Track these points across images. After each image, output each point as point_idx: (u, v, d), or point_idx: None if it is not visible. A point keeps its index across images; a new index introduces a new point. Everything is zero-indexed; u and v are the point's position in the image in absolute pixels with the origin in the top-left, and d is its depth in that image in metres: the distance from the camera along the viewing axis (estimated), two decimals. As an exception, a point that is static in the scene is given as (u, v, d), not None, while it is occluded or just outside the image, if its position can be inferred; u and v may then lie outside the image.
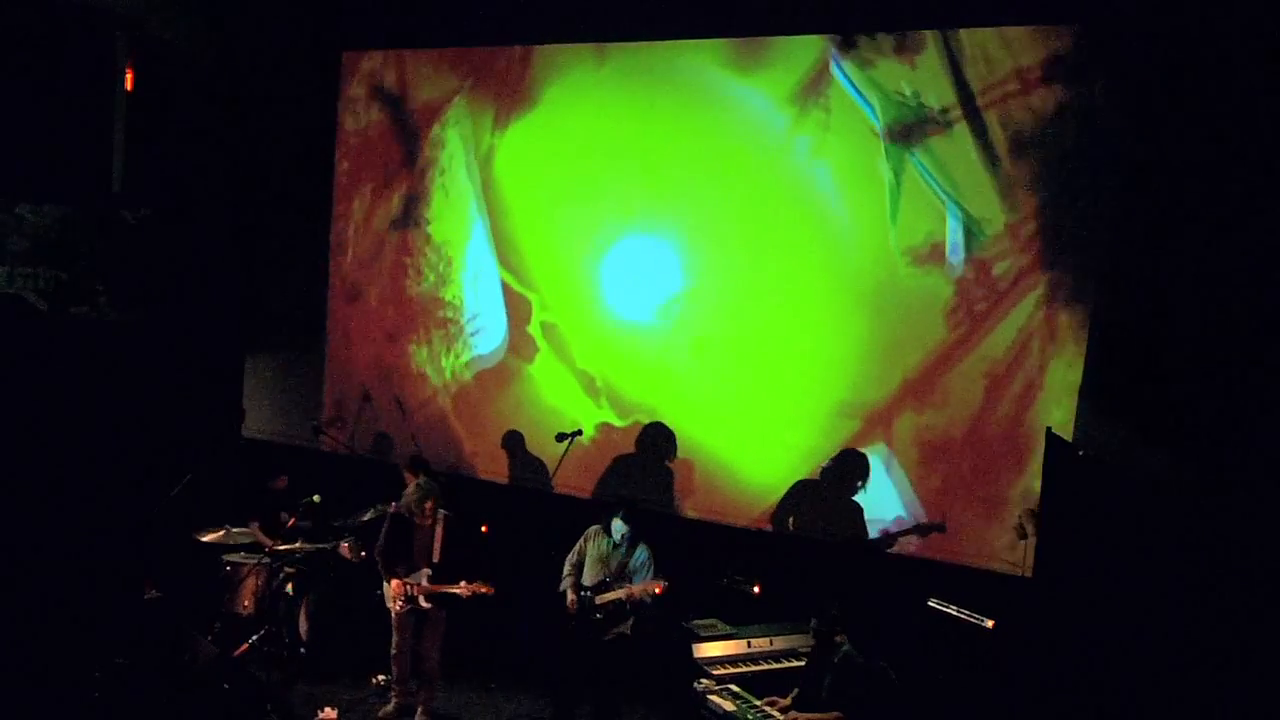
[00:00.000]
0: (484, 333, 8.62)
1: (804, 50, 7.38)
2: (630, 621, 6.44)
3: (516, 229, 8.48)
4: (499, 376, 8.56)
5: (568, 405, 8.24)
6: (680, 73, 7.77)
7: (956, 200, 6.92)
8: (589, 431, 8.06)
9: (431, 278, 8.83)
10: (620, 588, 6.38)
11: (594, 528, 6.68)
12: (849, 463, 7.25)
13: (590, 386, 8.21)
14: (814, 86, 7.35)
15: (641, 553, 6.52)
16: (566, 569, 6.62)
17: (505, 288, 8.50)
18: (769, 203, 7.51)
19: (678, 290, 7.84)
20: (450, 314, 8.77)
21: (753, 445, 7.61)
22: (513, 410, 8.49)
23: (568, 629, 6.46)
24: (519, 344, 8.43)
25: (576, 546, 6.68)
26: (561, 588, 6.56)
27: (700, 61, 7.70)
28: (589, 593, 6.42)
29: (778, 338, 7.48)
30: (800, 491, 7.41)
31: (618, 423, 8.08)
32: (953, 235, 6.95)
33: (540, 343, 8.36)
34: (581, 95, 8.15)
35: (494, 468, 8.54)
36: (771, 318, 7.50)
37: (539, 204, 8.38)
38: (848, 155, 7.25)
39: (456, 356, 8.73)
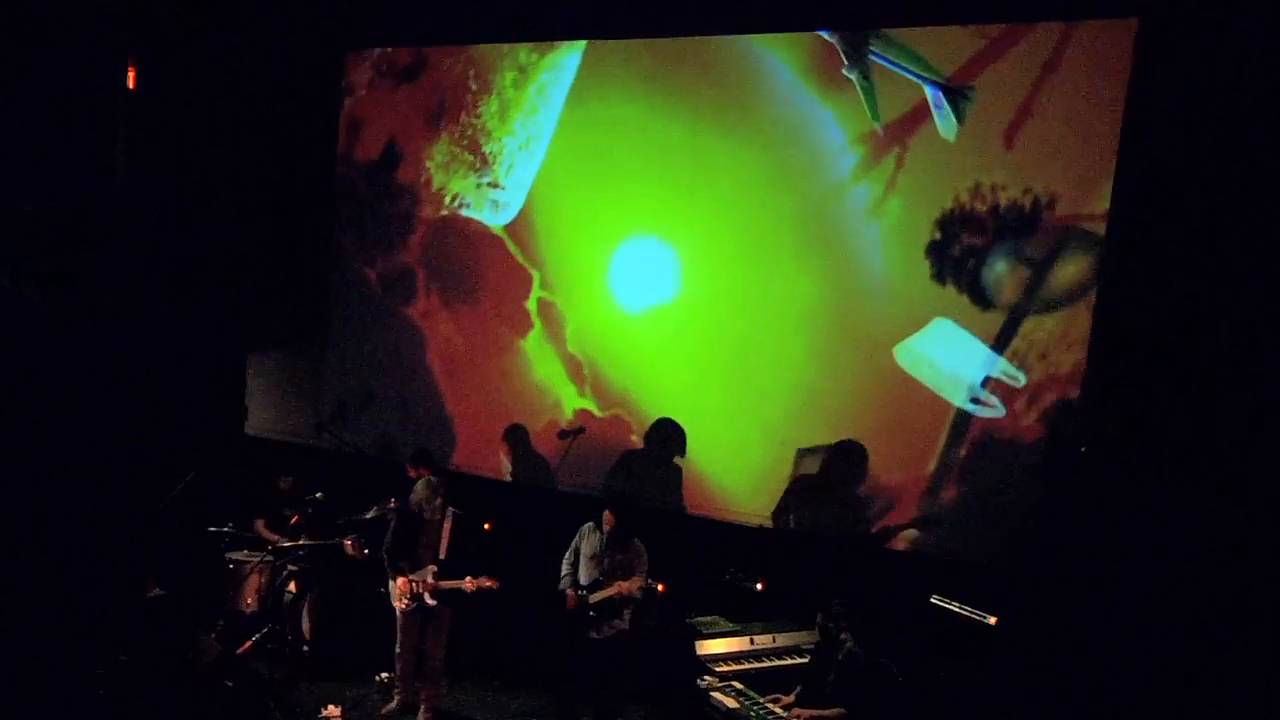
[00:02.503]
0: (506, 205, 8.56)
1: (908, 87, 6.96)
2: (627, 615, 6.44)
3: (531, 204, 8.41)
4: (490, 345, 8.56)
5: (552, 385, 8.27)
6: (750, 71, 7.50)
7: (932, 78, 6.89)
8: (567, 415, 8.13)
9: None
10: (612, 585, 6.39)
11: (587, 525, 6.67)
12: (848, 453, 7.25)
13: (576, 372, 8.22)
14: (902, 132, 7.02)
15: (636, 549, 6.52)
16: (565, 568, 6.63)
17: (510, 258, 8.46)
18: (801, 238, 7.36)
19: (683, 294, 7.82)
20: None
21: (740, 447, 7.63)
22: (499, 381, 8.51)
23: (567, 627, 6.46)
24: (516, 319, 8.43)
25: (572, 544, 6.69)
26: (561, 586, 6.57)
27: (778, 60, 7.40)
28: (584, 591, 6.43)
29: (775, 364, 7.47)
30: (802, 487, 7.41)
31: (597, 413, 8.11)
32: (933, 95, 6.92)
33: (535, 319, 8.36)
34: (631, 78, 7.95)
35: (496, 465, 8.55)
36: (773, 342, 7.47)
37: (561, 183, 8.28)
38: (907, 226, 7.02)
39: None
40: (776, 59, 7.42)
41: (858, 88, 7.09)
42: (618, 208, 8.04)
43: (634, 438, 8.02)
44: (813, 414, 7.37)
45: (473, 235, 8.61)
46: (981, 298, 6.85)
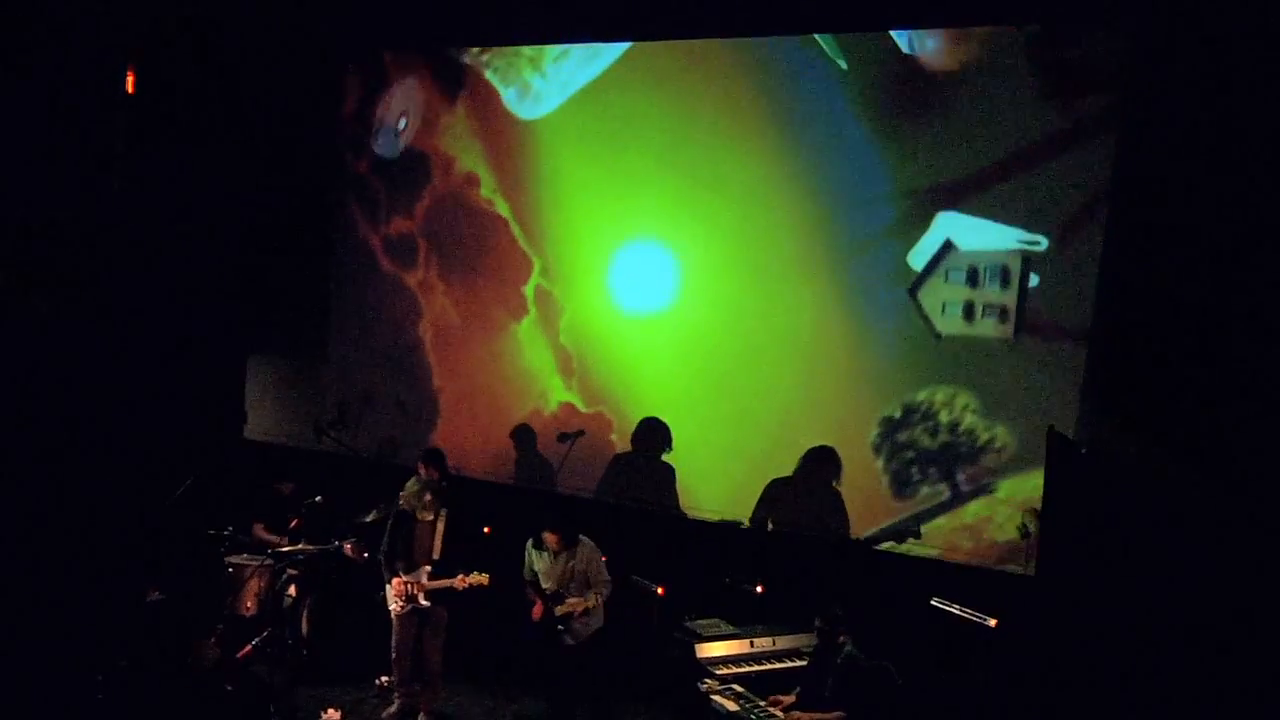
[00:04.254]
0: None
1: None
2: (597, 615, 6.44)
3: (542, 187, 8.29)
4: (483, 325, 8.57)
5: (541, 374, 8.29)
6: (802, 92, 7.22)
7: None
8: (551, 406, 8.14)
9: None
10: (572, 599, 6.37)
11: (528, 543, 6.62)
12: (820, 456, 7.24)
13: (565, 364, 8.21)
14: (962, 194, 6.76)
15: (585, 552, 6.50)
16: (527, 581, 6.60)
17: (513, 240, 8.41)
18: (815, 279, 7.22)
19: (681, 303, 7.77)
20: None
21: (718, 461, 7.64)
22: (488, 362, 8.53)
23: (541, 637, 6.44)
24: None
25: (525, 562, 6.65)
26: (529, 598, 6.54)
27: (837, 88, 7.11)
28: (550, 604, 6.41)
29: (762, 386, 7.44)
30: (777, 489, 7.40)
31: (582, 408, 8.11)
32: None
33: (530, 305, 8.34)
34: (665, 77, 7.74)
35: (497, 468, 8.53)
36: (763, 366, 7.43)
37: (578, 170, 8.14)
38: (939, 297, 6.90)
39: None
40: (837, 88, 7.14)
41: (820, 42, 7.06)
42: (630, 207, 7.93)
43: (614, 437, 8.02)
44: (790, 439, 7.35)
45: (478, 213, 8.56)
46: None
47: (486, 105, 8.53)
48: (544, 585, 6.49)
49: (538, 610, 6.44)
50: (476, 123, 8.57)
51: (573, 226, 8.21)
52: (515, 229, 8.43)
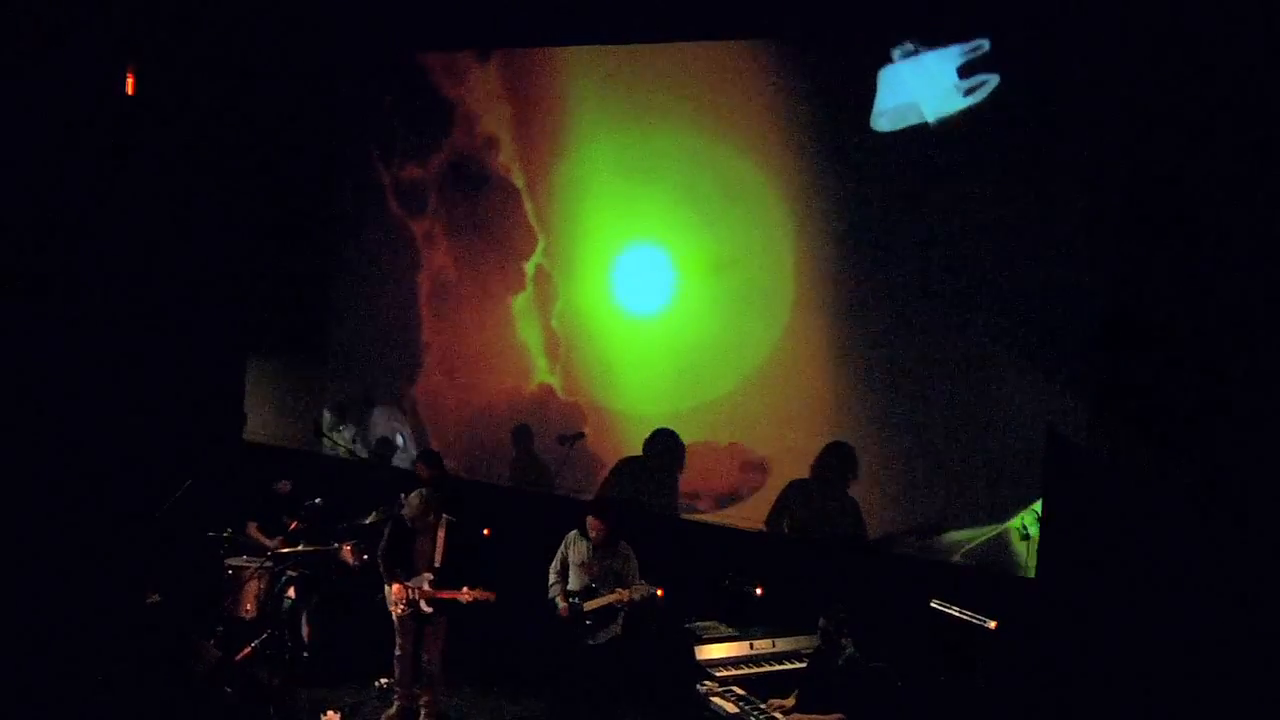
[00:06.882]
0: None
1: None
2: (621, 621, 6.44)
3: (561, 168, 8.18)
4: (479, 290, 8.56)
5: (527, 351, 8.28)
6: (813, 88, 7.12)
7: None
8: (531, 386, 8.14)
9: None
10: (608, 592, 6.37)
11: (573, 533, 6.67)
12: (839, 455, 7.14)
13: (552, 347, 8.18)
14: None
15: (624, 552, 6.50)
16: (552, 577, 6.62)
17: (522, 213, 8.33)
18: (811, 289, 7.21)
19: (675, 310, 7.73)
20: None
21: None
22: (478, 327, 8.53)
23: (561, 636, 6.45)
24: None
25: (558, 554, 6.67)
26: (550, 595, 6.55)
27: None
28: (576, 599, 6.42)
29: (744, 406, 7.42)
30: (794, 492, 7.34)
31: (559, 394, 8.11)
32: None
33: (529, 282, 8.29)
34: (703, 83, 7.57)
35: (496, 469, 8.52)
36: (749, 385, 7.39)
37: (598, 165, 8.01)
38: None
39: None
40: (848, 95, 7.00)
41: None
42: (641, 207, 7.84)
43: (587, 430, 7.98)
44: (779, 443, 7.34)
45: (494, 177, 8.46)
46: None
47: (521, 69, 8.31)
48: (577, 578, 6.49)
49: (564, 607, 6.46)
50: (507, 84, 8.37)
51: (586, 215, 8.10)
52: (527, 203, 8.31)
